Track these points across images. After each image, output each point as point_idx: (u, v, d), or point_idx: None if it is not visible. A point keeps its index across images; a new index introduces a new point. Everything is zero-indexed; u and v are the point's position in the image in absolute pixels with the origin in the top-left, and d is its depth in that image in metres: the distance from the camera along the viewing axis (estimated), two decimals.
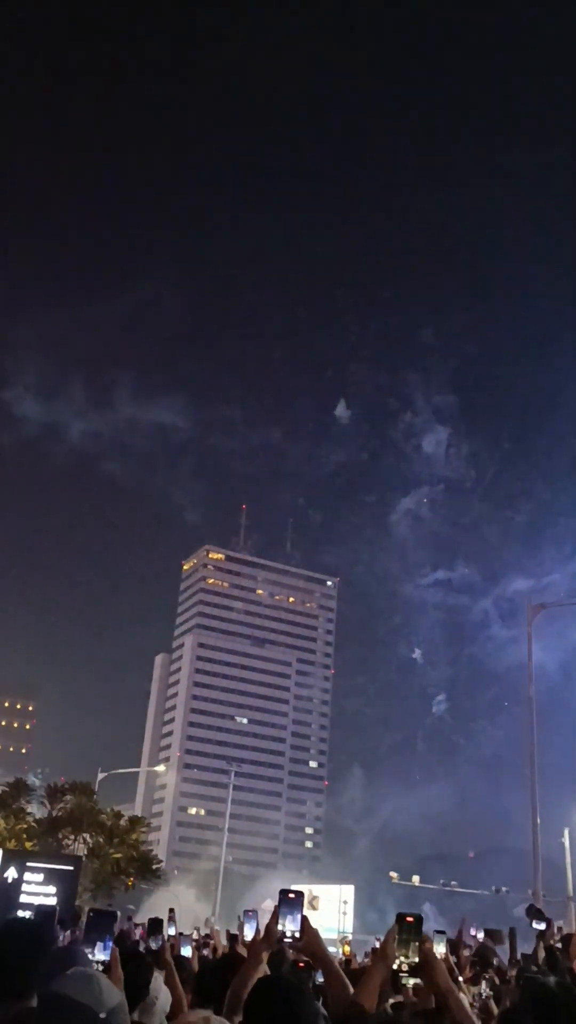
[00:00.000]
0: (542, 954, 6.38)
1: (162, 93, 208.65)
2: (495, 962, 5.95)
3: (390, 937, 2.92)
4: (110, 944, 2.99)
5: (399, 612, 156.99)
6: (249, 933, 4.78)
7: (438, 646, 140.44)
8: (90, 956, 2.92)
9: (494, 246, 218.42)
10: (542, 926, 6.41)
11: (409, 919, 2.88)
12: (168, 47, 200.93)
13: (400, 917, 2.92)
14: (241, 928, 4.95)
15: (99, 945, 2.95)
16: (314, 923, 3.43)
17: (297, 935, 3.35)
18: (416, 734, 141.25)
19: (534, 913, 6.66)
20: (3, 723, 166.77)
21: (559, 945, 6.40)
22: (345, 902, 60.67)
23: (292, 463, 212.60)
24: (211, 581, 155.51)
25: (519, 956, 7.81)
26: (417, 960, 2.84)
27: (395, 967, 2.87)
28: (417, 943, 2.86)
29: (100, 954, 2.94)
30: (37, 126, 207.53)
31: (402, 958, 2.84)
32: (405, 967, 2.84)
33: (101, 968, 2.87)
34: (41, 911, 3.40)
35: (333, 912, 58.44)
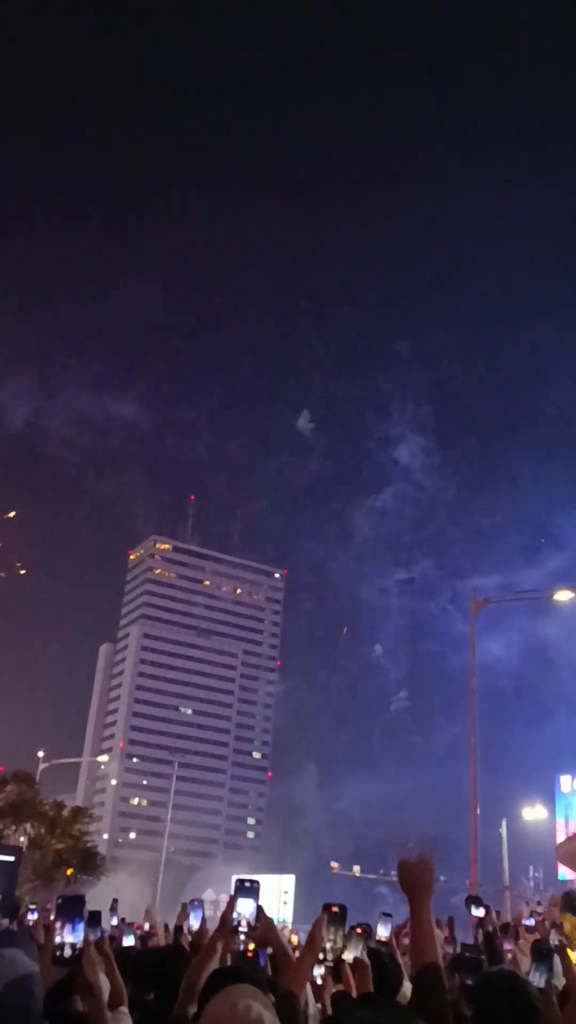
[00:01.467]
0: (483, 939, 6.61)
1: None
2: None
3: (317, 926, 3.04)
4: (80, 926, 3.07)
5: (349, 606, 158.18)
6: (194, 923, 4.82)
7: (389, 640, 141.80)
8: (61, 939, 3.00)
9: (465, 254, 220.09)
10: (480, 912, 6.62)
11: (334, 909, 3.03)
12: (162, 52, 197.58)
13: (326, 907, 3.06)
14: (182, 918, 4.97)
15: (68, 928, 3.03)
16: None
17: (253, 924, 3.44)
18: (363, 727, 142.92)
19: (473, 900, 6.87)
20: None
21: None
22: (286, 892, 61.16)
23: (241, 456, 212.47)
24: (158, 571, 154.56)
25: (459, 945, 8.02)
26: (341, 946, 2.98)
27: (321, 955, 3.00)
28: (342, 931, 2.99)
29: (70, 936, 3.02)
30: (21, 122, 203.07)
31: (328, 944, 2.98)
32: (330, 954, 2.97)
33: (72, 951, 2.97)
34: None
35: (273, 902, 58.84)
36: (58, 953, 3.04)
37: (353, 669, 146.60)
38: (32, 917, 9.68)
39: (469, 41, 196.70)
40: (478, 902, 6.80)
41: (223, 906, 3.57)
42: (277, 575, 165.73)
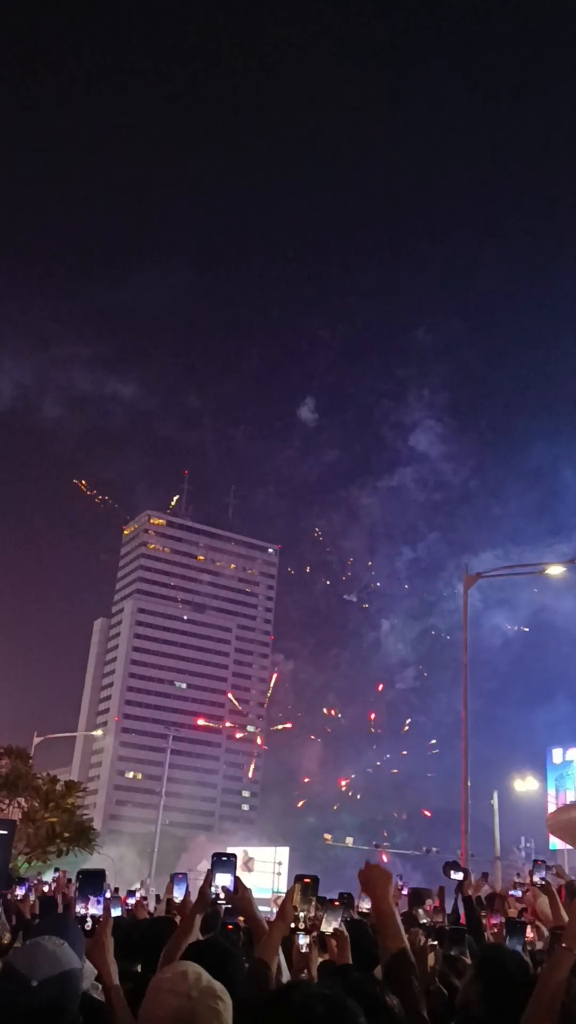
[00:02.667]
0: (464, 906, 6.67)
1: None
2: (423, 921, 6.12)
3: (290, 896, 3.05)
4: (102, 899, 3.24)
5: (346, 582, 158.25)
6: (178, 896, 4.83)
7: (395, 616, 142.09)
8: (83, 911, 3.18)
9: (475, 244, 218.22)
10: (459, 876, 6.66)
11: (306, 880, 3.06)
12: (198, 39, 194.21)
13: (299, 878, 3.08)
14: (171, 890, 5.00)
15: (92, 900, 3.21)
16: (248, 884, 3.53)
17: (229, 891, 3.45)
18: (364, 701, 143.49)
19: (451, 865, 6.90)
20: None
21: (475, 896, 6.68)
22: (280, 863, 61.80)
23: (240, 437, 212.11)
24: (152, 546, 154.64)
25: (445, 916, 8.06)
26: (314, 915, 3.00)
27: (293, 925, 3.02)
28: (315, 900, 3.02)
29: (94, 908, 3.20)
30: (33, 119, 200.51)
31: (302, 914, 3.00)
32: (303, 924, 3.00)
33: (91, 923, 3.15)
34: None
35: (268, 873, 59.45)
36: (81, 926, 3.16)
37: (355, 645, 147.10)
38: (20, 891, 9.68)
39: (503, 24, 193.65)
40: (456, 867, 6.84)
41: None
42: (271, 550, 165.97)
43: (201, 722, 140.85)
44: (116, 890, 12.43)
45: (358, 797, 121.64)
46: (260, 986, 2.86)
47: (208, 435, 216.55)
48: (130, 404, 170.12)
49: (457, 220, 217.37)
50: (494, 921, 6.84)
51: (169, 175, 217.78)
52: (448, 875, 6.80)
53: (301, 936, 3.29)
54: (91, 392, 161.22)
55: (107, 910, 3.25)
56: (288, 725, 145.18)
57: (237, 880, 3.48)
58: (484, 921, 6.44)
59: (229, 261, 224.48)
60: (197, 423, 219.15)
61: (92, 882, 3.30)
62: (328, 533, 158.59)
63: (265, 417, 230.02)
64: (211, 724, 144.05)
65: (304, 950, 3.70)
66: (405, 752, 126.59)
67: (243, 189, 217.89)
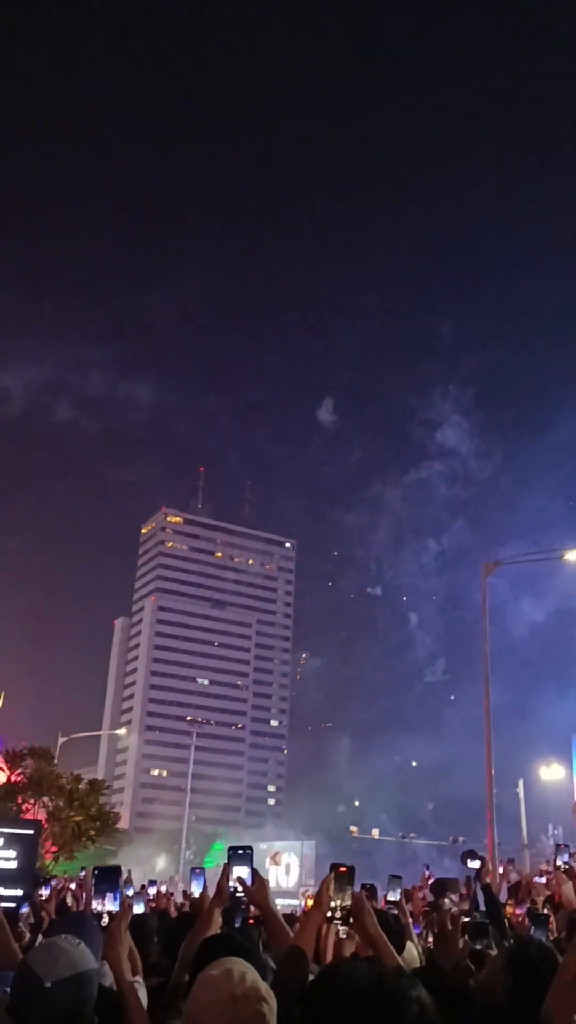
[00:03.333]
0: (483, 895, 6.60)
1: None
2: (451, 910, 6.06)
3: (325, 885, 3.03)
4: (118, 895, 3.30)
5: (370, 576, 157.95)
6: (196, 891, 4.83)
7: (421, 609, 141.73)
8: (100, 907, 3.24)
9: (504, 232, 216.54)
10: (476, 864, 6.61)
11: (342, 869, 3.06)
12: (218, 52, 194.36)
13: (333, 867, 3.09)
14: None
15: (108, 896, 3.28)
16: (276, 877, 3.51)
17: (246, 882, 3.43)
18: (390, 693, 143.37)
19: (468, 854, 6.87)
20: None
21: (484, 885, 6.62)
22: (307, 856, 62.00)
23: (258, 436, 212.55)
24: (170, 544, 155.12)
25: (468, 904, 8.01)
26: (349, 904, 2.98)
27: (329, 914, 3.00)
28: (350, 890, 3.00)
29: (110, 904, 3.26)
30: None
31: (337, 903, 2.97)
32: (339, 912, 2.97)
33: (110, 919, 3.19)
34: None
35: (295, 866, 59.67)
36: (97, 923, 3.25)
37: (382, 637, 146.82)
38: (44, 892, 9.71)
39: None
40: (473, 855, 6.81)
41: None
42: (288, 545, 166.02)
43: (224, 717, 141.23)
44: (143, 887, 12.48)
45: (387, 789, 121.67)
46: (297, 972, 2.86)
47: (225, 433, 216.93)
48: (148, 405, 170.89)
49: (475, 211, 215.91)
50: (519, 912, 6.77)
51: (188, 181, 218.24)
52: (465, 863, 6.76)
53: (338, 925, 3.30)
54: (109, 394, 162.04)
55: (123, 906, 3.26)
56: (327, 724, 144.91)
57: (254, 872, 3.47)
58: (509, 910, 6.37)
59: (248, 264, 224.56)
60: (214, 423, 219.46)
61: (107, 878, 3.34)
62: (350, 528, 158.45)
63: (284, 416, 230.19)
64: (234, 720, 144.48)
65: (343, 935, 3.71)
66: (434, 743, 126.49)
67: (260, 190, 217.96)
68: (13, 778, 26.10)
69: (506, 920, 6.18)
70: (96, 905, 3.27)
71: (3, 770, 26.53)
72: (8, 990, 3.10)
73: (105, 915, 3.24)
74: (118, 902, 3.28)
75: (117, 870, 3.43)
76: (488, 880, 6.32)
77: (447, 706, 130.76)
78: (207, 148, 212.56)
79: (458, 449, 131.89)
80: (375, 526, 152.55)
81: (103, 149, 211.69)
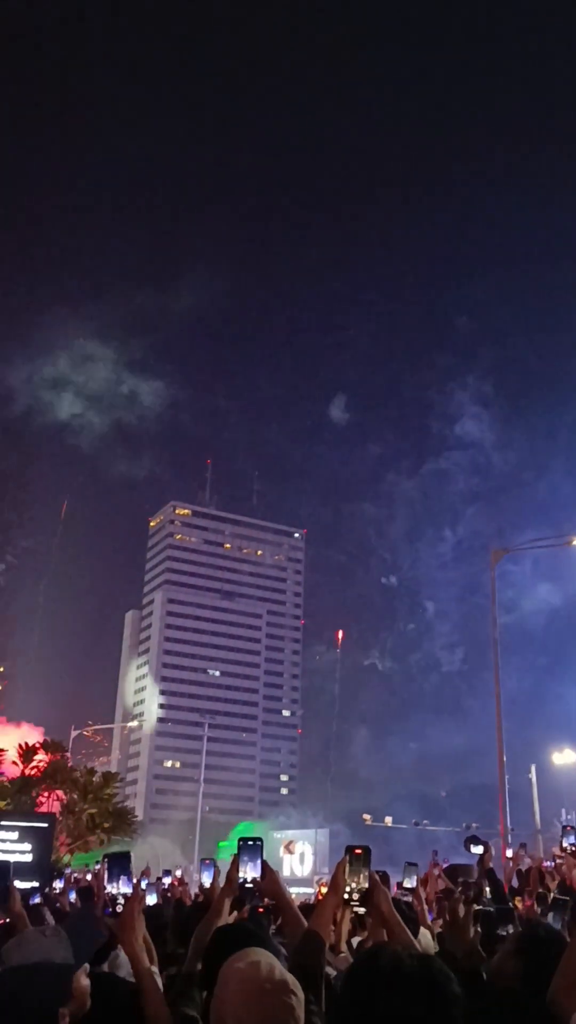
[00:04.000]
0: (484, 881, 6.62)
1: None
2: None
3: (340, 868, 3.03)
4: (131, 879, 3.38)
5: (384, 565, 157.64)
6: (206, 881, 4.87)
7: (431, 597, 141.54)
8: (114, 891, 3.32)
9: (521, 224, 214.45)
10: (479, 850, 6.64)
11: (357, 851, 3.05)
12: (239, 48, 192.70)
13: (349, 849, 3.06)
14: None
15: (122, 880, 3.36)
16: (289, 865, 3.53)
17: (258, 880, 3.43)
18: (398, 680, 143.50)
19: (471, 840, 6.89)
20: None
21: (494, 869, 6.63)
22: (320, 844, 62.25)
23: (269, 430, 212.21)
24: (178, 537, 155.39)
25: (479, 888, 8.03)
26: (366, 886, 2.98)
27: (345, 896, 3.00)
28: (365, 872, 3.00)
29: (124, 888, 3.33)
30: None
31: (353, 885, 2.98)
32: (356, 895, 2.97)
33: (122, 901, 3.26)
34: None
35: (309, 855, 59.93)
36: (110, 908, 3.32)
37: (397, 627, 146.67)
38: (58, 884, 9.78)
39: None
40: (476, 841, 6.83)
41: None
42: (297, 535, 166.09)
43: (236, 708, 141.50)
44: (159, 879, 12.57)
45: (401, 777, 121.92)
46: (313, 957, 2.87)
47: (233, 427, 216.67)
48: (155, 400, 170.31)
49: (487, 201, 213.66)
50: (528, 901, 6.80)
51: (196, 177, 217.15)
52: (468, 849, 6.79)
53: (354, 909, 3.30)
54: (115, 389, 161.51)
55: (136, 891, 3.29)
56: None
57: (264, 863, 3.48)
58: (522, 897, 6.40)
59: (257, 261, 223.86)
60: (222, 417, 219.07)
61: (119, 864, 3.41)
62: (363, 518, 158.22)
63: (294, 409, 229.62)
64: (246, 710, 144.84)
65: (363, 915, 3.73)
66: (450, 730, 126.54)
67: (268, 187, 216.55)
68: (27, 771, 26.24)
69: (515, 906, 6.21)
70: (110, 889, 3.33)
71: (16, 763, 26.67)
72: None
73: (120, 899, 3.30)
74: (131, 886, 3.34)
75: (128, 855, 3.49)
76: (490, 865, 6.35)
77: (463, 694, 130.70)
78: (218, 148, 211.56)
79: (473, 440, 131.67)
80: (389, 517, 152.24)
81: (118, 149, 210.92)
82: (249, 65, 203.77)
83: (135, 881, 3.44)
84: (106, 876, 3.41)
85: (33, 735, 33.59)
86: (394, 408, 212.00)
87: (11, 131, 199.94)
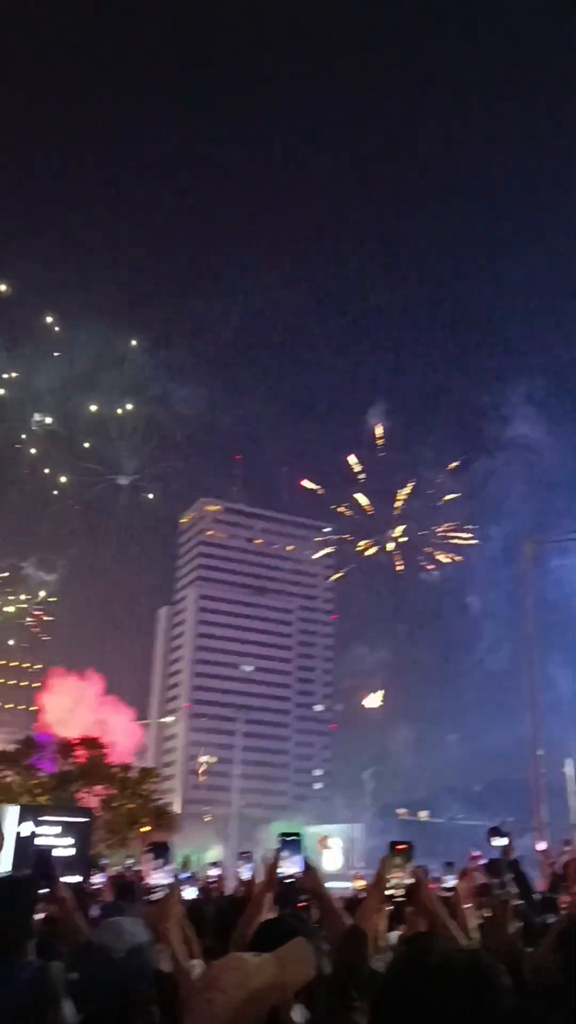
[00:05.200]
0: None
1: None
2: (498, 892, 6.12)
3: (383, 864, 3.07)
4: (171, 868, 3.47)
5: (419, 560, 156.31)
6: (246, 875, 4.93)
7: (474, 591, 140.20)
8: (154, 881, 3.40)
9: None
10: (502, 841, 6.62)
11: (400, 846, 3.07)
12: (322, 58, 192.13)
13: (392, 845, 3.08)
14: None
15: (162, 870, 3.44)
16: (325, 861, 3.59)
17: (298, 875, 3.49)
18: (435, 674, 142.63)
19: (493, 832, 6.86)
20: (12, 682, 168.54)
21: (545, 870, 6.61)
22: (355, 839, 62.23)
23: (293, 422, 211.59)
24: (209, 533, 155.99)
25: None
26: (409, 881, 3.02)
27: (389, 892, 3.03)
28: (409, 867, 3.03)
29: (164, 877, 3.42)
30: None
31: (396, 880, 3.01)
32: (400, 890, 3.01)
33: (166, 889, 3.36)
34: (39, 854, 3.57)
35: (344, 850, 59.93)
36: (150, 895, 3.43)
37: (434, 619, 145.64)
38: (100, 879, 9.93)
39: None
40: (499, 833, 6.82)
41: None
42: (327, 529, 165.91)
43: (269, 703, 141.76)
44: (194, 874, 12.68)
45: (437, 771, 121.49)
46: (356, 953, 2.91)
47: (265, 425, 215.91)
48: (186, 399, 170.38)
49: (536, 200, 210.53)
50: (571, 897, 6.79)
51: (251, 185, 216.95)
52: (490, 841, 6.77)
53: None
54: (150, 388, 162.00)
55: (176, 880, 3.37)
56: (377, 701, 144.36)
57: (305, 858, 3.52)
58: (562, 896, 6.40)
59: (308, 268, 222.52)
60: (256, 418, 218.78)
61: (160, 853, 3.49)
62: (401, 516, 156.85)
63: (334, 412, 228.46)
64: (279, 705, 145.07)
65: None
66: (487, 725, 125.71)
67: (305, 191, 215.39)
68: (66, 767, 26.62)
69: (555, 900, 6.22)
70: (151, 878, 3.41)
71: (56, 760, 27.06)
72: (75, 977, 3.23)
73: (159, 888, 3.37)
74: (171, 875, 3.42)
75: (167, 846, 3.57)
76: (513, 857, 6.36)
77: (508, 691, 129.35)
78: (264, 154, 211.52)
79: (521, 437, 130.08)
80: (432, 512, 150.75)
81: (165, 152, 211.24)
82: (309, 77, 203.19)
83: (174, 870, 3.52)
84: (148, 866, 3.50)
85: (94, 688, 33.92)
86: (438, 410, 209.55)
87: (58, 136, 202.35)
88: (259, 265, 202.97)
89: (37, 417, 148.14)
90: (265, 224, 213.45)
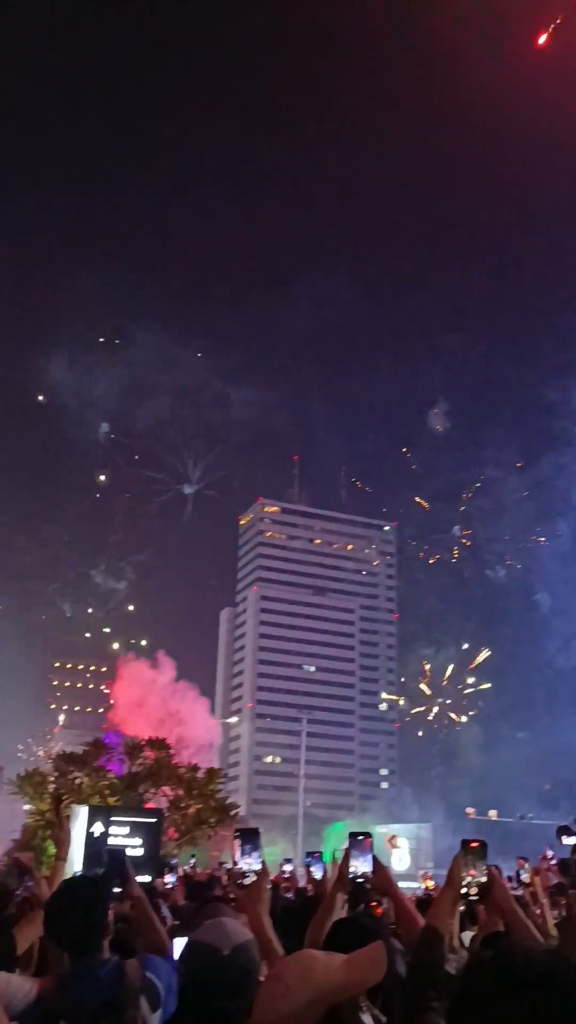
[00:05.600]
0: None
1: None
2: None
3: (456, 862, 3.03)
4: (260, 854, 3.47)
5: (485, 558, 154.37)
6: (316, 875, 4.93)
7: (545, 588, 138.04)
8: (245, 867, 3.41)
9: None
10: (573, 840, 6.49)
11: (473, 844, 3.03)
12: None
13: (464, 843, 3.04)
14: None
15: (252, 855, 3.45)
16: (393, 861, 3.57)
17: (368, 875, 3.48)
18: (502, 673, 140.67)
19: (562, 830, 6.74)
20: (79, 685, 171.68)
21: None
22: (422, 839, 61.82)
23: (352, 423, 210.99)
24: (268, 534, 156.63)
25: None
26: (484, 880, 2.97)
27: (463, 890, 2.99)
28: (484, 866, 2.98)
29: (254, 863, 3.42)
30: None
31: (469, 879, 2.97)
32: (474, 889, 2.97)
33: (253, 876, 3.39)
34: (112, 853, 3.63)
35: (412, 849, 59.52)
36: (240, 880, 3.42)
37: (503, 619, 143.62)
38: (170, 879, 10.04)
39: None
40: (568, 831, 6.69)
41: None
42: (387, 528, 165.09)
43: (332, 703, 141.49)
44: (280, 867, 12.75)
45: (506, 770, 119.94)
46: (433, 952, 2.88)
47: (323, 425, 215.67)
48: (244, 401, 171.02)
49: None
50: None
51: (330, 192, 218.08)
52: (560, 839, 6.65)
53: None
54: (202, 390, 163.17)
55: (264, 866, 3.39)
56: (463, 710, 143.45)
57: (375, 858, 3.52)
58: None
59: (369, 270, 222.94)
60: (315, 419, 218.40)
61: (250, 839, 3.50)
62: (465, 514, 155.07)
63: (394, 412, 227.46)
64: (343, 705, 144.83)
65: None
66: (558, 723, 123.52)
67: (379, 194, 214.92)
68: (133, 769, 27.01)
69: None
70: (242, 864, 3.44)
71: (123, 761, 27.47)
72: (151, 976, 3.27)
73: (250, 874, 3.40)
74: (260, 861, 3.43)
75: (257, 831, 3.57)
76: None
77: (574, 686, 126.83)
78: (329, 160, 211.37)
79: None
80: (497, 511, 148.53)
81: (229, 158, 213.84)
82: (378, 90, 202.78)
83: (263, 857, 3.52)
84: (238, 852, 3.51)
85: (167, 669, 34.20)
86: (502, 408, 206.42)
87: (130, 144, 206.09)
88: (322, 268, 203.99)
89: (104, 428, 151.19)
90: (327, 228, 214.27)
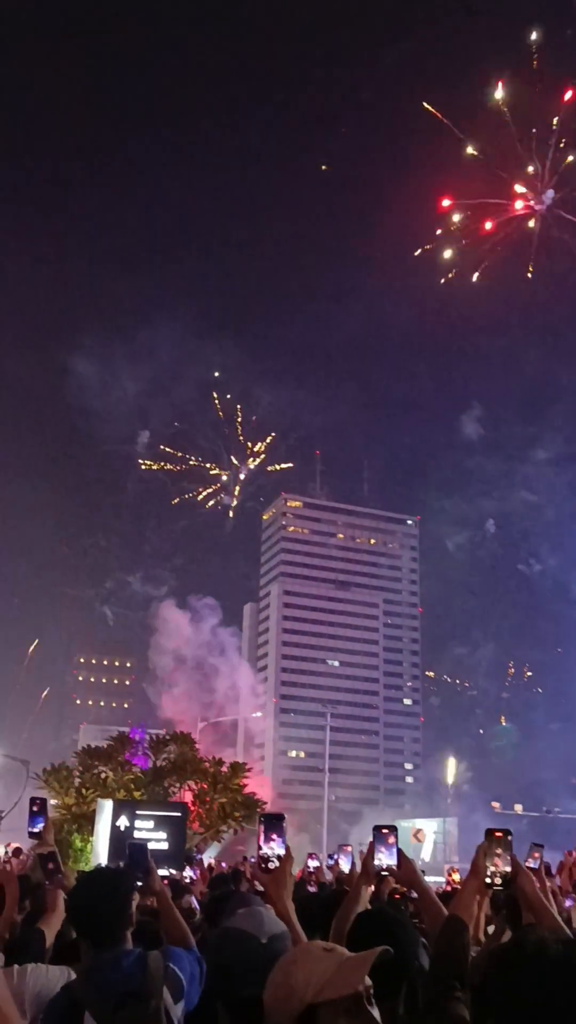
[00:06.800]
0: None
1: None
2: None
3: (481, 852, 3.01)
4: (285, 840, 3.48)
5: (516, 552, 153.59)
6: (344, 868, 4.93)
7: (568, 583, 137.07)
8: (269, 852, 3.41)
9: None
10: None
11: (498, 834, 3.00)
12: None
13: (489, 832, 3.02)
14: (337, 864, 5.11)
15: (276, 841, 3.44)
16: (418, 854, 3.56)
17: (394, 868, 3.47)
18: (514, 665, 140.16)
19: None
20: (104, 680, 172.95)
21: None
22: (447, 833, 61.72)
23: (365, 410, 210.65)
24: (291, 529, 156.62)
25: None
26: (508, 870, 2.94)
27: (487, 880, 2.97)
28: (507, 856, 2.96)
29: (278, 849, 3.42)
30: None
31: (493, 869, 2.95)
32: (498, 879, 2.94)
33: (277, 861, 3.39)
34: (134, 847, 3.63)
35: (437, 843, 59.51)
36: (264, 865, 3.42)
37: (531, 612, 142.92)
38: (190, 874, 10.07)
39: None
40: None
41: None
42: (410, 522, 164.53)
43: (356, 698, 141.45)
44: (306, 862, 12.78)
45: (534, 764, 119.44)
46: (456, 943, 2.86)
47: (347, 422, 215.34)
48: (271, 401, 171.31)
49: None
50: None
51: (351, 200, 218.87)
52: None
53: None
54: (232, 389, 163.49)
55: (287, 851, 3.39)
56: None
57: (399, 851, 3.51)
58: None
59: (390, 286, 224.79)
60: (340, 417, 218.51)
61: (273, 825, 3.50)
62: (494, 510, 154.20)
63: (424, 414, 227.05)
64: (367, 700, 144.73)
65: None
66: (560, 714, 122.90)
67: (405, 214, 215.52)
68: (158, 763, 27.12)
69: None
70: (266, 850, 3.44)
71: (148, 755, 27.58)
72: (173, 967, 3.28)
73: (274, 859, 3.39)
74: (284, 846, 3.43)
75: (282, 817, 3.58)
76: None
77: None
78: (374, 170, 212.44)
79: None
80: (533, 505, 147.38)
81: (278, 166, 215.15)
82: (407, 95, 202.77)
83: (286, 843, 3.52)
84: (262, 837, 3.50)
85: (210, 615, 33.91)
86: (541, 403, 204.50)
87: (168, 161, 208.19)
88: (354, 273, 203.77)
89: (142, 438, 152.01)
90: (359, 234, 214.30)
